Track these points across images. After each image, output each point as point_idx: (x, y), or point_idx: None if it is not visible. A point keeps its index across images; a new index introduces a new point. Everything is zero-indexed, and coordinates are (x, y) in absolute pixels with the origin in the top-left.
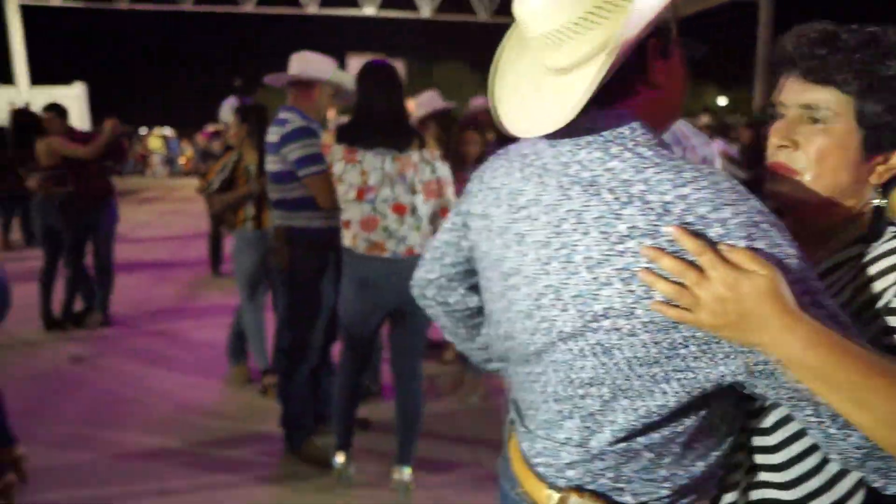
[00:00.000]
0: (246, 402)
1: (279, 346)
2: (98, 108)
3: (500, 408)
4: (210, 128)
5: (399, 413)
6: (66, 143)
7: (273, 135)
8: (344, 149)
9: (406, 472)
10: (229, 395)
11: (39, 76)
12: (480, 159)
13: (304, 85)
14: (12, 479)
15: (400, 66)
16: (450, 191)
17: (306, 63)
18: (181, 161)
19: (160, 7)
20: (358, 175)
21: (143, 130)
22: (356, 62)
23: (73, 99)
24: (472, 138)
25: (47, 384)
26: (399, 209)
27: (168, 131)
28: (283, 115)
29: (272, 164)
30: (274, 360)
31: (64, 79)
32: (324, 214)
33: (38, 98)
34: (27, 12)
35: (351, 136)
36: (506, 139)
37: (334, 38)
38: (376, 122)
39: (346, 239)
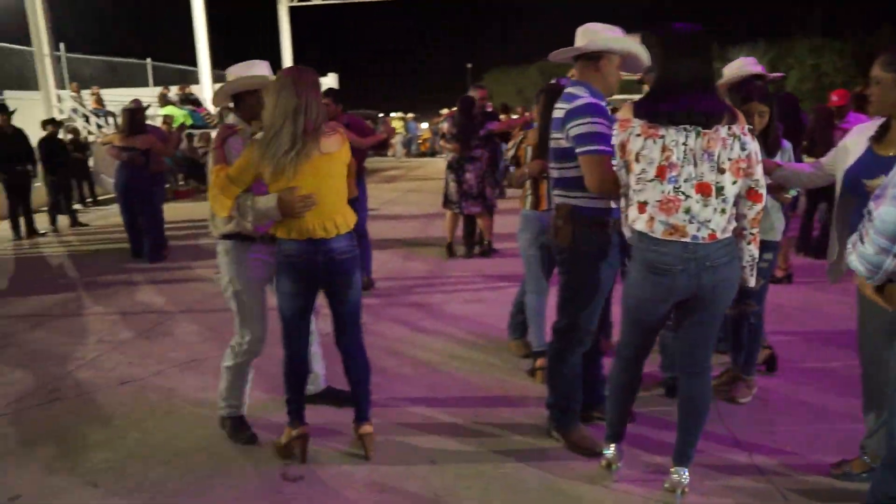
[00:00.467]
0: (507, 381)
1: (555, 327)
2: (348, 96)
3: (771, 412)
4: (445, 111)
5: (685, 410)
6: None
7: (559, 110)
8: (643, 124)
9: (684, 475)
10: (488, 373)
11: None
12: (766, 133)
13: (591, 58)
14: (306, 432)
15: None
16: (758, 169)
17: (592, 34)
18: (419, 142)
19: None
20: (659, 152)
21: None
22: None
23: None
24: (758, 109)
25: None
26: (704, 189)
27: (405, 115)
28: (571, 89)
29: (555, 141)
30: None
31: (319, 70)
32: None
33: None
34: (293, 11)
35: (651, 110)
36: None
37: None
38: (681, 94)
39: (640, 222)
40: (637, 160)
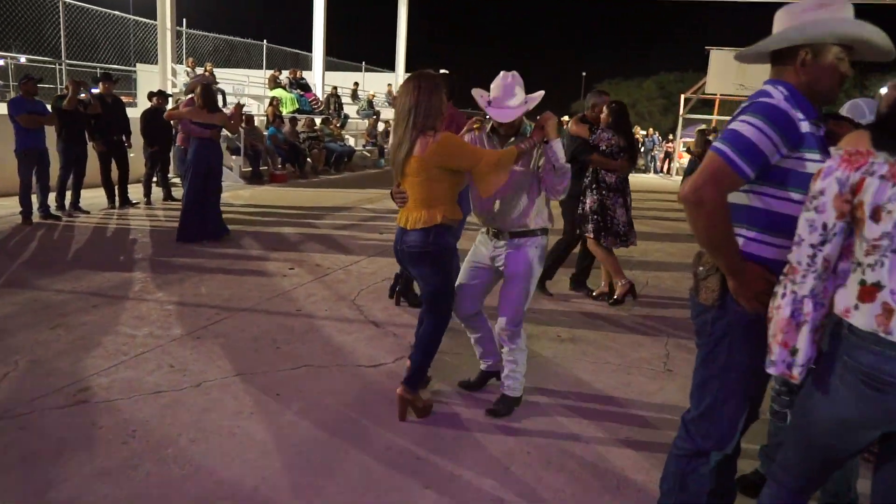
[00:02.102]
0: None
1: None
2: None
3: None
4: (566, 118)
5: None
6: None
7: None
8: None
9: None
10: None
11: (415, 64)
12: None
13: (788, 52)
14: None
15: None
16: None
17: (791, 17)
18: None
19: None
20: None
21: None
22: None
23: None
24: None
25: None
26: None
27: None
28: (764, 86)
29: None
30: None
31: (434, 66)
32: None
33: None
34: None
35: None
36: None
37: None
38: None
39: (862, 315)
40: (876, 217)
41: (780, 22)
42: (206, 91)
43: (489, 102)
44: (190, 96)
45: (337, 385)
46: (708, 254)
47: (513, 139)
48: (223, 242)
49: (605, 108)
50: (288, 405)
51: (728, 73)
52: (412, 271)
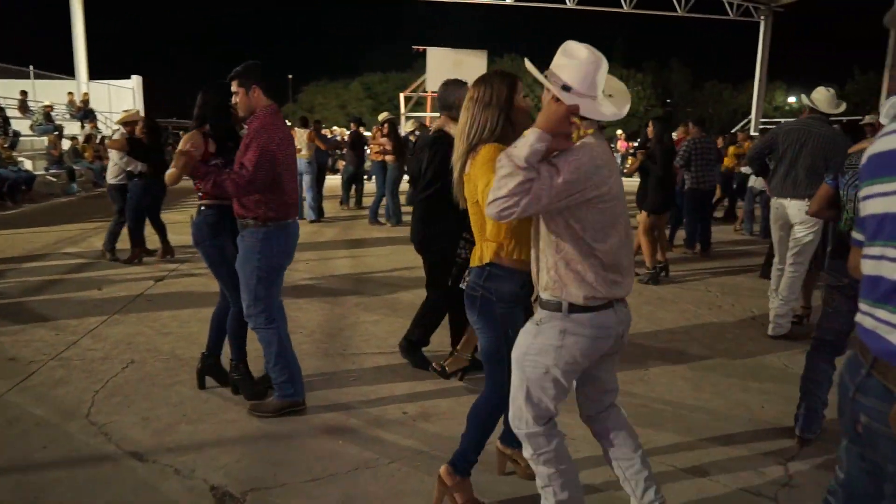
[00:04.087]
0: None
1: None
2: (153, 101)
3: None
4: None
5: None
6: None
7: None
8: None
9: None
10: None
11: (98, 70)
12: None
13: None
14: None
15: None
16: None
17: None
18: None
19: None
20: None
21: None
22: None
23: (129, 92)
24: None
25: None
26: None
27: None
28: None
29: None
30: None
31: (121, 73)
32: None
33: (96, 91)
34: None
35: None
36: None
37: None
38: None
39: None
40: None
41: None
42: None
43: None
44: None
45: None
46: None
47: None
48: None
49: None
50: None
51: (445, 71)
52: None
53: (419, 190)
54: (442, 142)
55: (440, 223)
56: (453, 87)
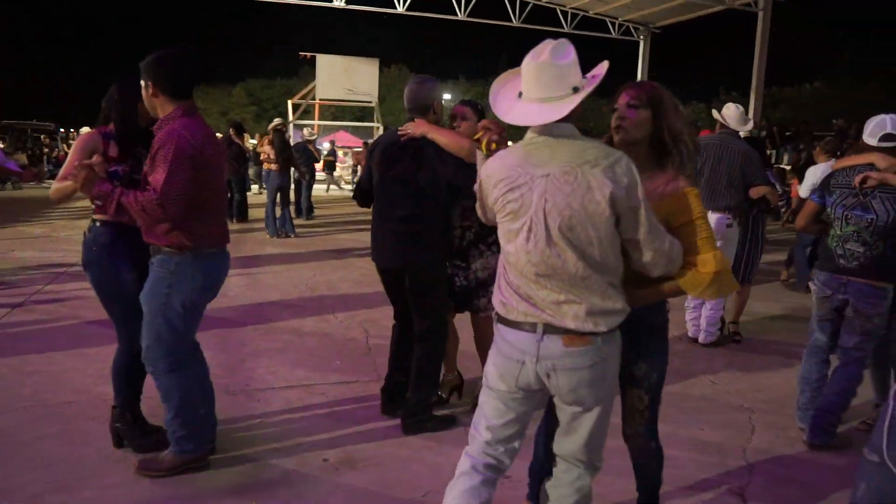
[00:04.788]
0: None
1: None
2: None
3: None
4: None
5: None
6: None
7: None
8: None
9: None
10: None
11: None
12: None
13: None
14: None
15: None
16: None
17: None
18: None
19: None
20: None
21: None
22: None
23: None
24: None
25: None
26: None
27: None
28: None
29: None
30: None
31: None
32: None
33: None
34: None
35: None
36: None
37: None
38: None
39: None
40: None
41: None
42: None
43: None
44: None
45: None
46: None
47: None
48: None
49: None
50: None
51: (336, 79)
52: None
53: (407, 205)
54: (442, 153)
55: (434, 244)
56: (430, 85)
